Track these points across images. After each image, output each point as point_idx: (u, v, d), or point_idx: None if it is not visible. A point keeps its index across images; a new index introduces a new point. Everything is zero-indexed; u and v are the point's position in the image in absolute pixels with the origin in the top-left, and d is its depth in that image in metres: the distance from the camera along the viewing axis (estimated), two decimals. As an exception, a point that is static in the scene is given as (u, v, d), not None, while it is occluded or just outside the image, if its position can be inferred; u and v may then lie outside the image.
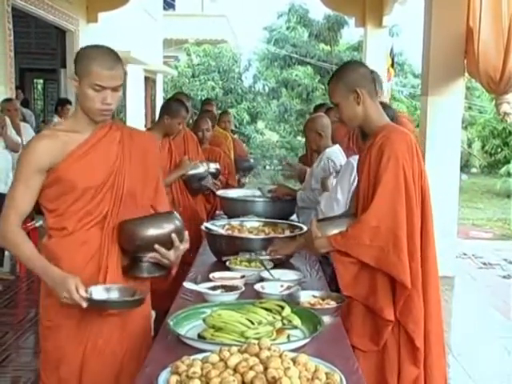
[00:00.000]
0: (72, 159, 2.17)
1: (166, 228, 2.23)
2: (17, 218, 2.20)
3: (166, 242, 2.22)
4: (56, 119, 7.89)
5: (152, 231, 2.20)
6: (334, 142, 4.07)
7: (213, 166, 4.53)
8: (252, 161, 7.89)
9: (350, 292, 2.41)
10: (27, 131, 6.77)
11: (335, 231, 2.50)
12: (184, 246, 2.29)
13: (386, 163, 2.36)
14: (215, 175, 4.54)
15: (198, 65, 19.42)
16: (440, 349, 2.51)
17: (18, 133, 6.47)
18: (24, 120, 7.31)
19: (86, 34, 9.86)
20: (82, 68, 2.15)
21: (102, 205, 2.22)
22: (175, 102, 4.34)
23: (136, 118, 14.46)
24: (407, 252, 2.33)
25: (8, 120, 6.13)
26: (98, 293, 2.13)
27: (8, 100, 6.68)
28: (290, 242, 2.98)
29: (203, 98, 13.54)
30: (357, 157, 3.27)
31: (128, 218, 2.22)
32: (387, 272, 2.34)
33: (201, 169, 4.29)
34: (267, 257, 2.85)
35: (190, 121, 5.79)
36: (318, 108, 6.13)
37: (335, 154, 3.97)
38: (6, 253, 6.40)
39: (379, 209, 2.35)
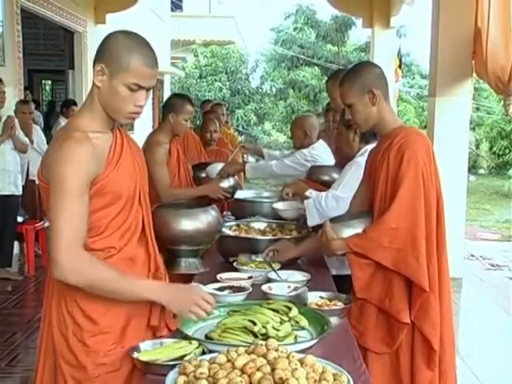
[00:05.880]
0: (112, 165, 1.89)
1: (204, 220, 2.22)
2: (80, 242, 1.82)
3: (202, 235, 2.20)
4: (62, 121, 7.88)
5: (189, 224, 2.18)
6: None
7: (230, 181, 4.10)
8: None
9: (364, 295, 2.38)
10: (37, 133, 6.81)
11: (349, 232, 2.48)
12: None
13: (406, 166, 2.33)
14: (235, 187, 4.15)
15: (206, 66, 19.45)
16: (452, 350, 2.49)
17: (30, 135, 6.50)
18: (33, 122, 7.33)
19: (93, 36, 9.89)
20: (116, 60, 1.81)
21: (138, 215, 2.00)
22: (177, 97, 3.97)
23: (143, 119, 14.47)
24: (425, 255, 2.31)
25: (16, 121, 6.16)
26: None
27: (24, 102, 6.69)
28: (293, 246, 2.93)
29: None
30: (362, 158, 3.26)
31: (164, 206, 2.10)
32: (405, 274, 2.31)
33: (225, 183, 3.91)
34: (266, 257, 2.83)
35: (198, 122, 5.80)
36: (328, 105, 6.10)
37: (320, 148, 4.05)
38: (14, 253, 6.42)
39: (399, 211, 2.33)
